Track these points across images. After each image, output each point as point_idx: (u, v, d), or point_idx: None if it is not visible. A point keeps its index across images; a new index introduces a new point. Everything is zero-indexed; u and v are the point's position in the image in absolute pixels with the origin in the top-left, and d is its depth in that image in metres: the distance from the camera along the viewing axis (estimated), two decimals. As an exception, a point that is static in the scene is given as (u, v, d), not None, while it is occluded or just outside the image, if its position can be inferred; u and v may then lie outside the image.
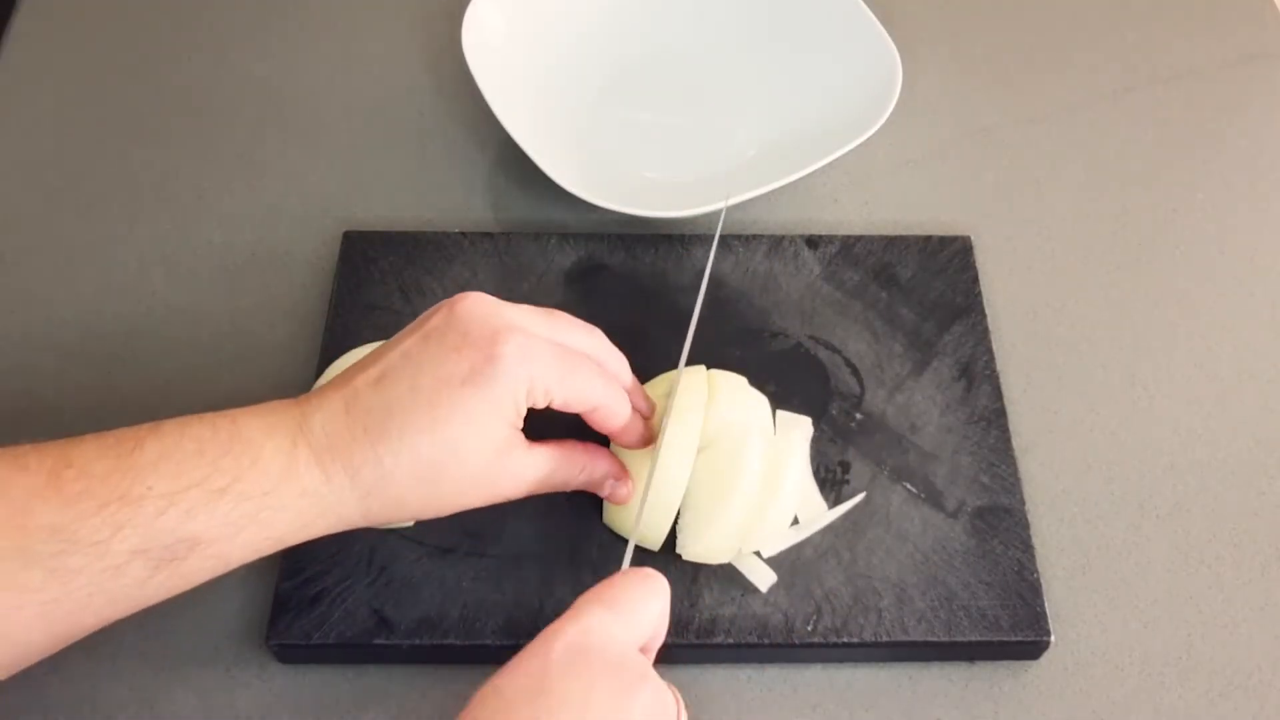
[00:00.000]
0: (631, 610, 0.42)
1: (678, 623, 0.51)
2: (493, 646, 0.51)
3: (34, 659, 0.43)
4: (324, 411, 0.44)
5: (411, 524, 0.53)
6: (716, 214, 0.62)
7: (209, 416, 0.44)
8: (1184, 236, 0.68)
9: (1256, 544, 0.57)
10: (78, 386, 0.60)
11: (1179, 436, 0.60)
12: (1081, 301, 0.65)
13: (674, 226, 0.66)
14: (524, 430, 0.47)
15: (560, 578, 0.52)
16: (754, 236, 0.64)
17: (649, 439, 0.52)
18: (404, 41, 0.76)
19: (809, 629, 0.51)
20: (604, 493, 0.52)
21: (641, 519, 0.50)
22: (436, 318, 0.46)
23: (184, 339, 0.62)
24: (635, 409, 0.51)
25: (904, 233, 0.65)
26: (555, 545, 0.53)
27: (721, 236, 0.64)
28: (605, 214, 0.61)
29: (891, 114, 0.64)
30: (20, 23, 0.76)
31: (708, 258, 0.59)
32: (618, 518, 0.53)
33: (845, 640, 0.51)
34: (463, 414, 0.44)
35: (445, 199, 0.68)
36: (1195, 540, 0.57)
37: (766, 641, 0.51)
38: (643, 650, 0.43)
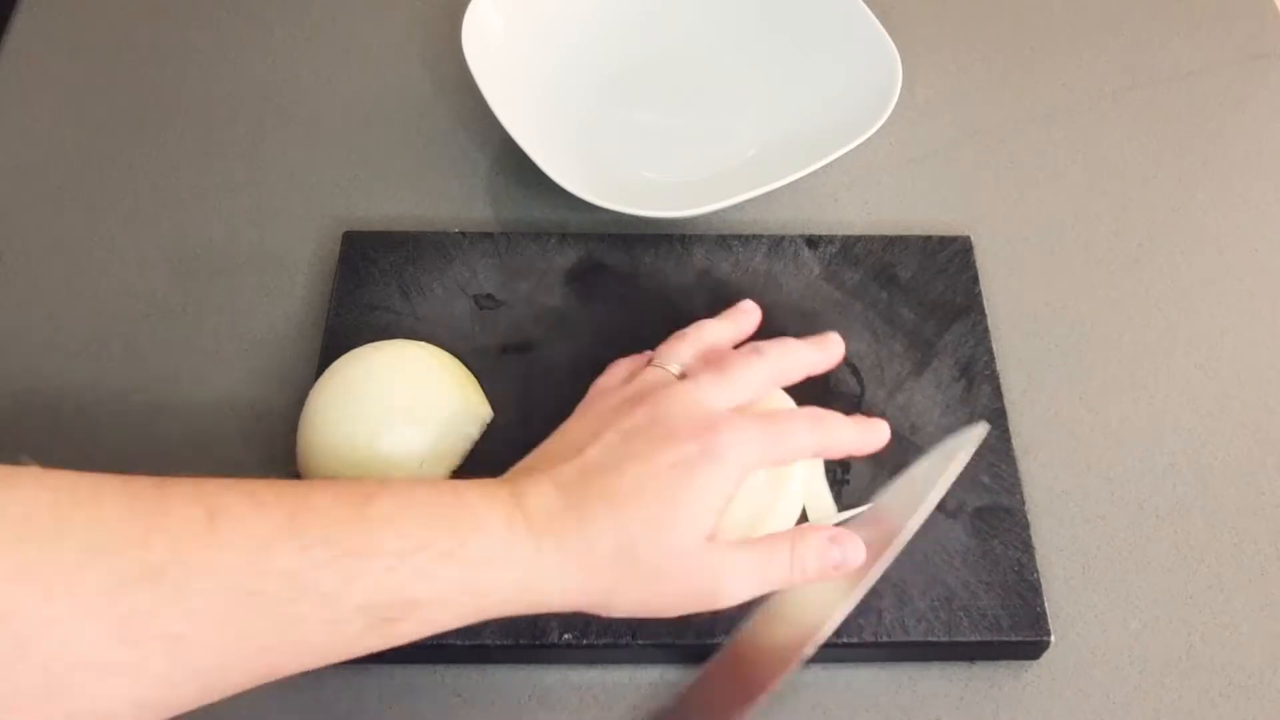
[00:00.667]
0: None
1: (677, 622, 0.51)
2: (492, 646, 0.51)
3: (207, 701, 0.40)
4: (537, 490, 0.44)
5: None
6: (717, 214, 0.61)
7: (432, 481, 0.44)
8: (1184, 236, 0.68)
9: (1256, 544, 0.57)
10: (78, 386, 0.60)
11: (1179, 436, 0.60)
12: (1081, 301, 0.65)
13: (674, 226, 0.66)
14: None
15: (560, 578, 0.52)
16: (754, 236, 0.64)
17: (884, 437, 0.50)
18: (404, 42, 0.76)
19: (809, 629, 0.51)
20: (838, 570, 0.47)
21: None
22: (637, 415, 0.46)
23: (184, 339, 0.62)
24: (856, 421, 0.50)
25: (904, 233, 0.65)
26: (555, 545, 0.53)
27: (721, 236, 0.64)
28: (605, 214, 0.61)
29: (891, 114, 0.64)
30: (20, 23, 0.76)
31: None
32: None
33: (845, 640, 0.51)
34: (670, 495, 0.44)
35: (445, 199, 0.68)
36: (1195, 540, 0.57)
37: (766, 641, 0.51)
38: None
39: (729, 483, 0.45)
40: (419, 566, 0.41)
